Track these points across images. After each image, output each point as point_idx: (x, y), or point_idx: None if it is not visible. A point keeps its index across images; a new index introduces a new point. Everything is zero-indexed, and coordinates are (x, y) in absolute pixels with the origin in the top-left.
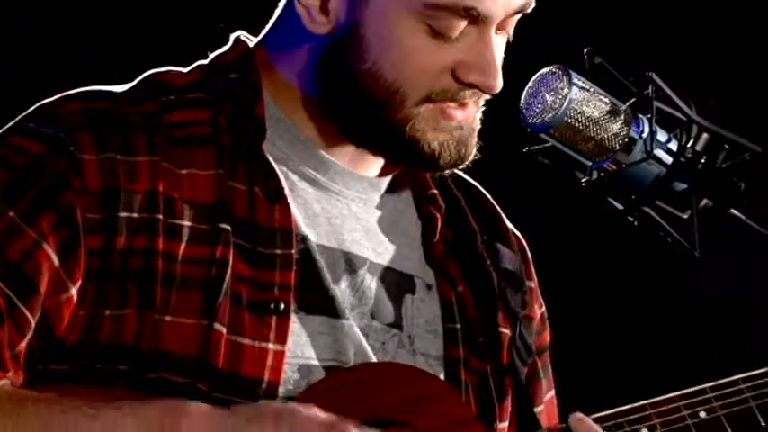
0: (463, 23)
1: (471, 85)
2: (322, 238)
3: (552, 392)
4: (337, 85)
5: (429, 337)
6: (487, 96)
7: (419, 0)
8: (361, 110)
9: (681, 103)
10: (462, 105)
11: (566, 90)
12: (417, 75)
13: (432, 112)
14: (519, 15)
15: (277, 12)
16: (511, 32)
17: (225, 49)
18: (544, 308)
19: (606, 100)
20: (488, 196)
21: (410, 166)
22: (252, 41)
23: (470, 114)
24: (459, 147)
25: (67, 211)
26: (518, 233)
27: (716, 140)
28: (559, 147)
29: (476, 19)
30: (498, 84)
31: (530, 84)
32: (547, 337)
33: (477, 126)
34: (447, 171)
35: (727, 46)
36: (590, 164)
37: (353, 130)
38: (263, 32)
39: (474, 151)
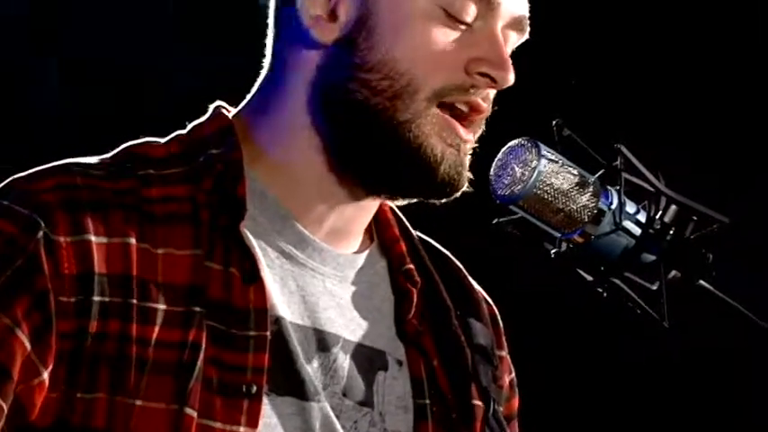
0: (474, 9)
1: (483, 76)
2: (296, 316)
3: None
4: (341, 92)
5: (399, 413)
6: (493, 96)
7: None
8: (364, 113)
9: (649, 175)
10: (465, 122)
11: (534, 162)
12: (431, 62)
13: (439, 119)
14: (518, 38)
15: (260, 79)
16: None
17: (204, 119)
18: (513, 374)
19: (575, 172)
20: (460, 266)
21: (405, 181)
22: (231, 112)
23: (470, 138)
24: (458, 165)
25: (41, 296)
26: (489, 300)
27: (684, 212)
28: (528, 218)
29: (487, 3)
30: (511, 77)
31: (499, 155)
32: (515, 404)
33: (469, 156)
34: (437, 198)
35: (697, 118)
36: (559, 235)
37: (352, 143)
38: (242, 103)
39: (466, 182)
